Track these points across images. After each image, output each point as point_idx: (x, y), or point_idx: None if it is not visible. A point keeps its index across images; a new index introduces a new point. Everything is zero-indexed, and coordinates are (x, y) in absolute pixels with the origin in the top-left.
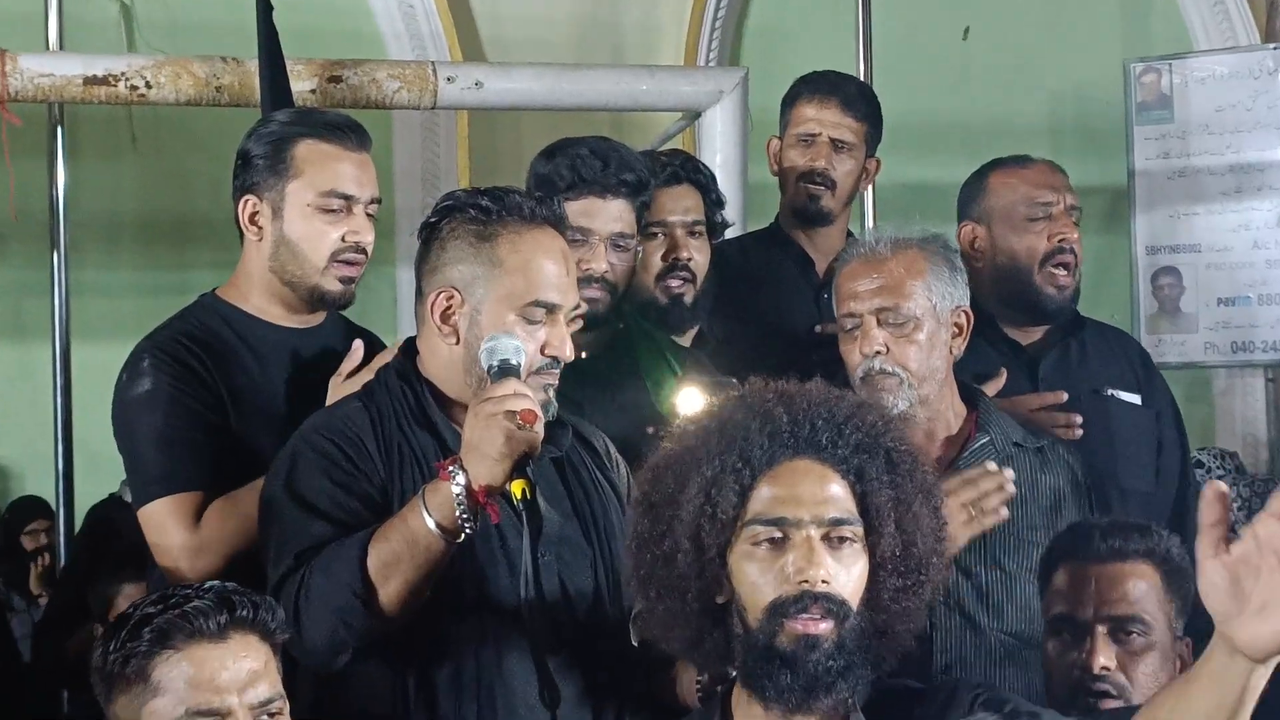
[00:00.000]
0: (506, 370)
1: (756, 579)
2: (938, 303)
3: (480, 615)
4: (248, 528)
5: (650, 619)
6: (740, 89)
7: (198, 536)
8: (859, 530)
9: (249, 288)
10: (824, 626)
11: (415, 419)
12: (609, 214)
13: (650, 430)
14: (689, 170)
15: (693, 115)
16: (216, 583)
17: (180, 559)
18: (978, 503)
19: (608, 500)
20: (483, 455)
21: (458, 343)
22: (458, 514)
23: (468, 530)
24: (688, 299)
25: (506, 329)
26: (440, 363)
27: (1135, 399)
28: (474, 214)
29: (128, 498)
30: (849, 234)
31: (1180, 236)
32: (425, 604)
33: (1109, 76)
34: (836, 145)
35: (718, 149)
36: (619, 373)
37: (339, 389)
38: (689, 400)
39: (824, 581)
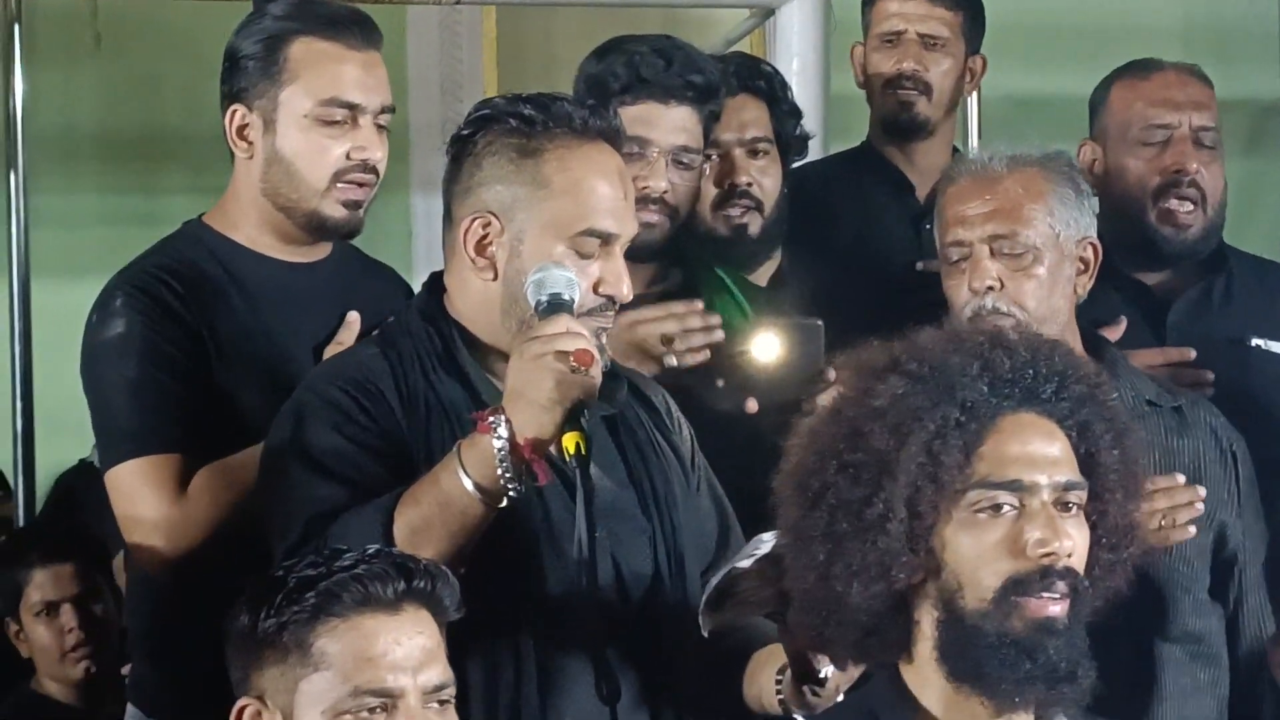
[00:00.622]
0: (558, 306)
1: (983, 551)
2: (1061, 231)
3: (521, 601)
4: (240, 503)
5: (811, 604)
6: None
7: (179, 509)
8: (1084, 495)
9: (239, 214)
10: (1061, 608)
11: (444, 367)
12: (671, 122)
13: (720, 383)
14: (746, 76)
15: (764, 12)
16: (380, 548)
17: (154, 534)
18: (1170, 513)
19: (669, 467)
20: (529, 402)
21: (495, 278)
22: (499, 472)
23: (511, 492)
24: (753, 229)
25: (554, 261)
26: (473, 302)
27: None
28: (515, 125)
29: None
30: (954, 150)
31: None
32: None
33: None
34: (927, 42)
35: (794, 53)
36: None
37: None
38: (766, 346)
39: (1069, 555)
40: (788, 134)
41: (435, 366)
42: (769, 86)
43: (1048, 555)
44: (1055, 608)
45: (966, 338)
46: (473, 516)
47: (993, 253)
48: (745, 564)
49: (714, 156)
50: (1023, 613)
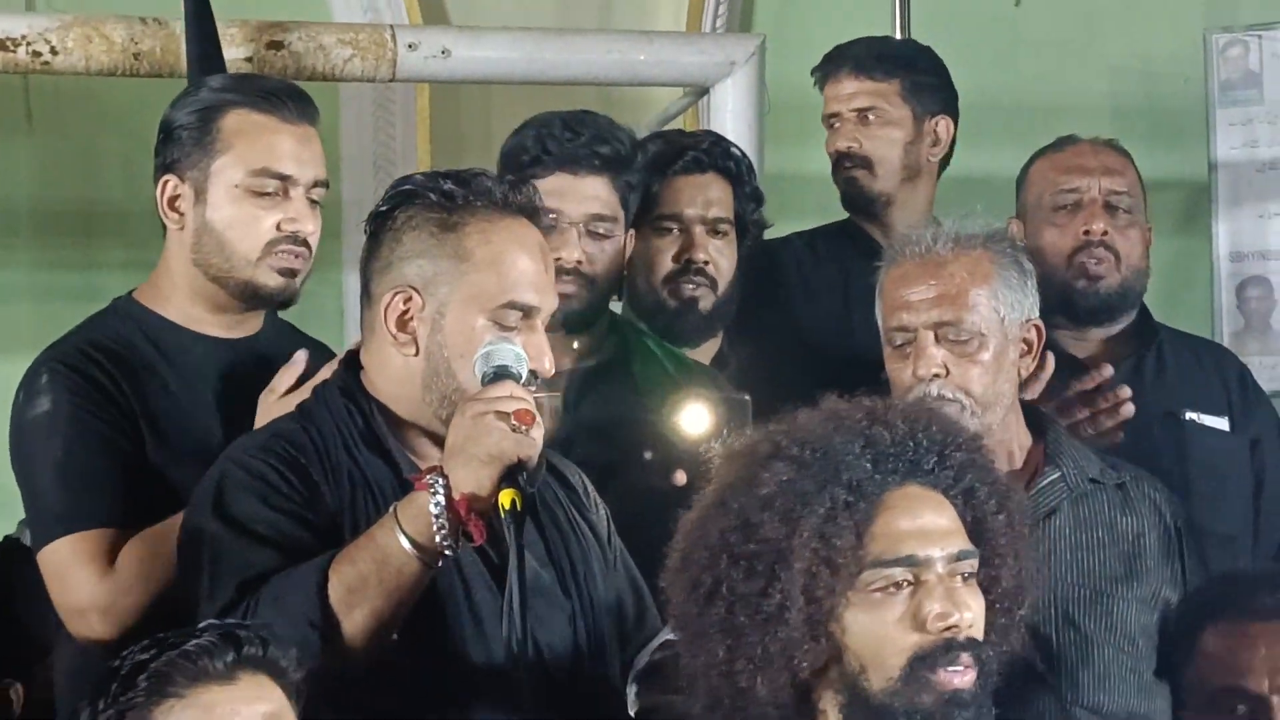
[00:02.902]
0: (504, 375)
1: (884, 630)
2: (1006, 315)
3: (445, 678)
4: (167, 570)
5: (715, 700)
6: (756, 60)
7: (109, 582)
8: (977, 564)
9: (170, 288)
10: (969, 678)
11: (365, 443)
12: (582, 192)
13: (648, 455)
14: (717, 156)
15: (699, 91)
16: (213, 621)
17: (91, 609)
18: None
19: (587, 546)
20: (468, 458)
21: (416, 353)
22: (435, 529)
23: (447, 552)
24: (704, 304)
25: (475, 336)
26: (392, 377)
27: (1223, 424)
28: (435, 200)
29: (27, 540)
30: (936, 221)
31: (1271, 240)
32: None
33: (1186, 50)
34: (863, 117)
35: (728, 131)
36: (608, 387)
37: (270, 408)
38: (695, 419)
39: (970, 625)
40: (746, 216)
41: (357, 442)
42: (736, 168)
43: (949, 628)
44: (961, 679)
45: (845, 416)
46: (408, 575)
47: (938, 338)
48: (676, 635)
49: (673, 229)
50: (931, 687)
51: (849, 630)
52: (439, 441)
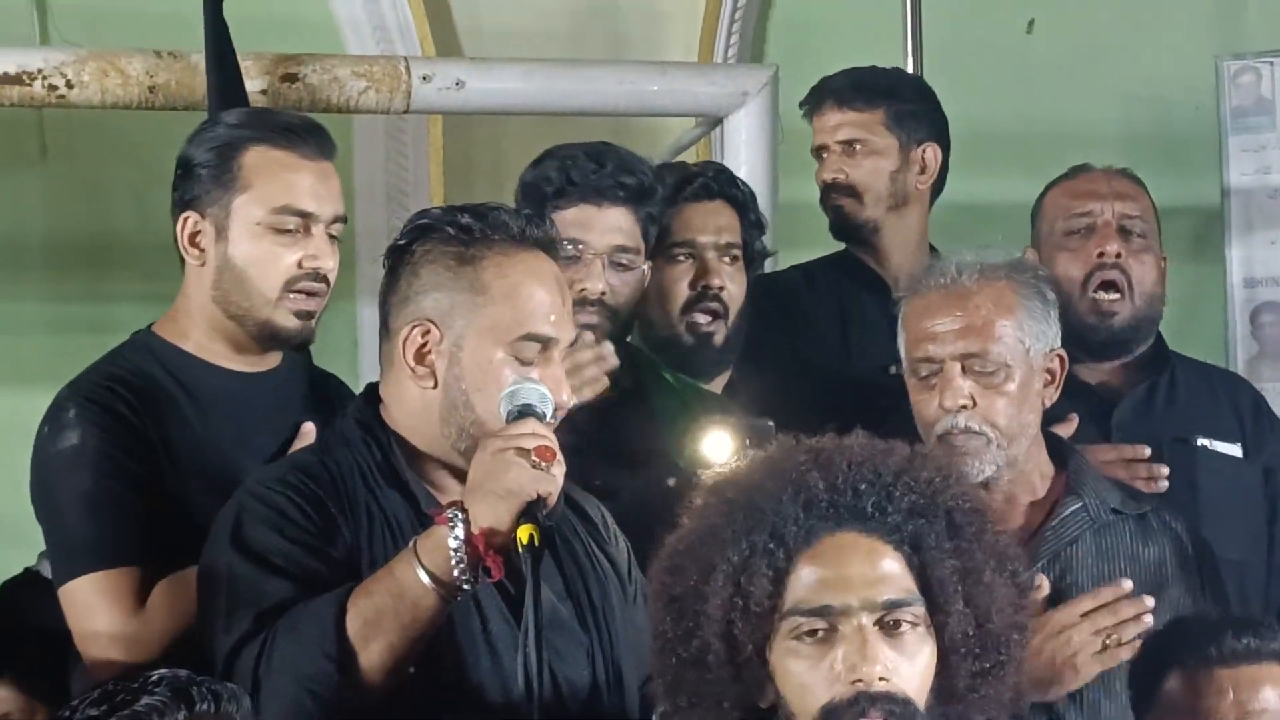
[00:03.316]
0: (528, 413)
1: (803, 679)
2: (1031, 346)
3: (456, 709)
4: (193, 614)
5: None
6: (769, 90)
7: (138, 622)
8: (919, 611)
9: (189, 323)
10: None
11: (383, 476)
12: (606, 223)
13: (670, 483)
14: (724, 184)
15: (712, 122)
16: (165, 671)
17: (113, 648)
18: (1115, 631)
19: (606, 579)
20: (487, 492)
21: (434, 385)
22: (454, 565)
23: (465, 587)
24: (717, 339)
25: (493, 368)
26: (410, 410)
27: (1235, 450)
28: (453, 233)
29: (47, 573)
30: (932, 248)
31: None
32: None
33: (1198, 76)
34: (847, 148)
35: (742, 161)
36: (628, 418)
37: None
38: (718, 446)
39: (881, 679)
40: (752, 245)
41: (375, 475)
42: (742, 197)
43: (857, 680)
44: None
45: (786, 459)
46: (425, 609)
47: (964, 370)
48: None
49: (687, 258)
50: None
51: (778, 674)
52: (457, 475)
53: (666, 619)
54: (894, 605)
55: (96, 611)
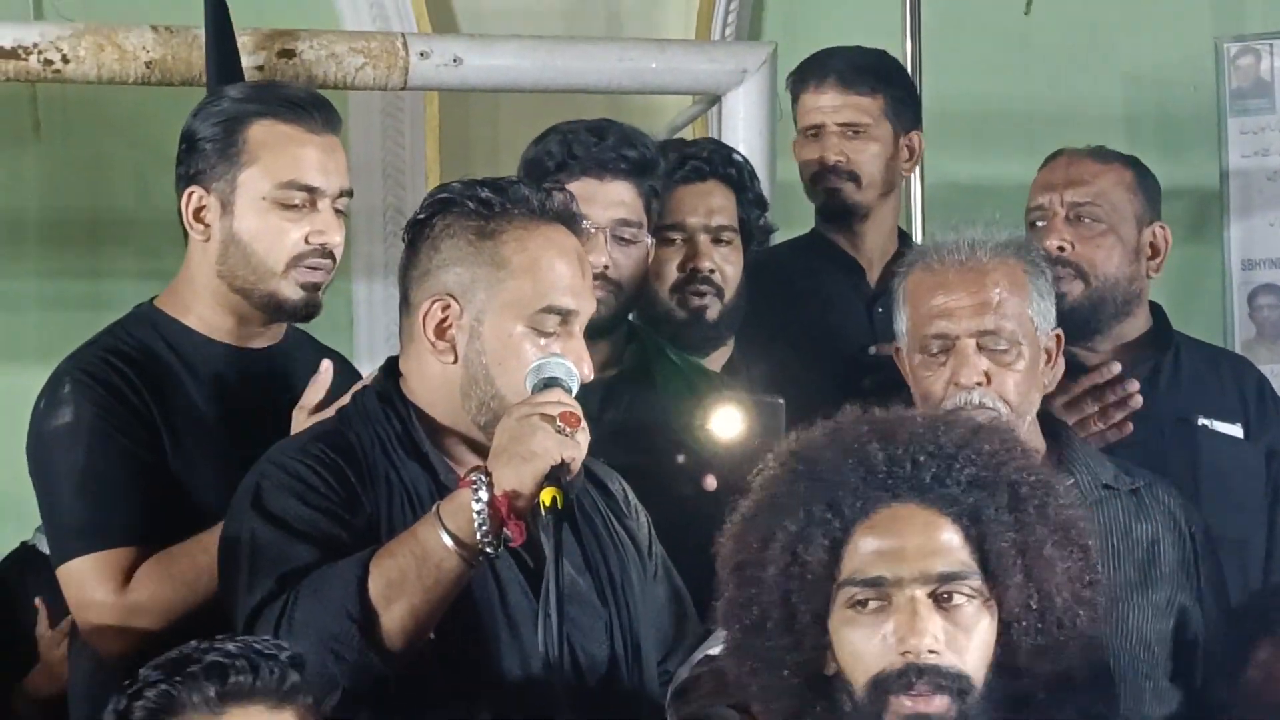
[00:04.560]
0: (553, 385)
1: (857, 648)
2: (1039, 324)
3: (480, 682)
4: (187, 591)
5: (745, 692)
6: (768, 67)
7: (128, 599)
8: (976, 584)
9: (192, 297)
10: (937, 703)
11: (403, 448)
12: (608, 197)
13: (680, 460)
14: (717, 164)
15: (710, 99)
16: (222, 641)
17: (108, 617)
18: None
19: (626, 554)
20: (511, 455)
21: (455, 360)
22: (477, 527)
23: (487, 550)
24: (711, 313)
25: (513, 342)
26: (430, 385)
27: (1237, 431)
28: (473, 208)
29: (43, 548)
30: (901, 233)
31: None
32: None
33: (1197, 58)
34: (848, 131)
35: (740, 139)
36: (633, 395)
37: (303, 424)
38: (727, 423)
39: (931, 651)
40: (751, 222)
41: (395, 447)
42: (738, 175)
43: (906, 652)
44: (928, 706)
45: (848, 430)
46: (448, 571)
47: (979, 347)
48: (718, 649)
49: (677, 239)
50: (892, 710)
51: (836, 642)
52: (476, 449)
53: (731, 585)
54: (949, 578)
55: (90, 591)
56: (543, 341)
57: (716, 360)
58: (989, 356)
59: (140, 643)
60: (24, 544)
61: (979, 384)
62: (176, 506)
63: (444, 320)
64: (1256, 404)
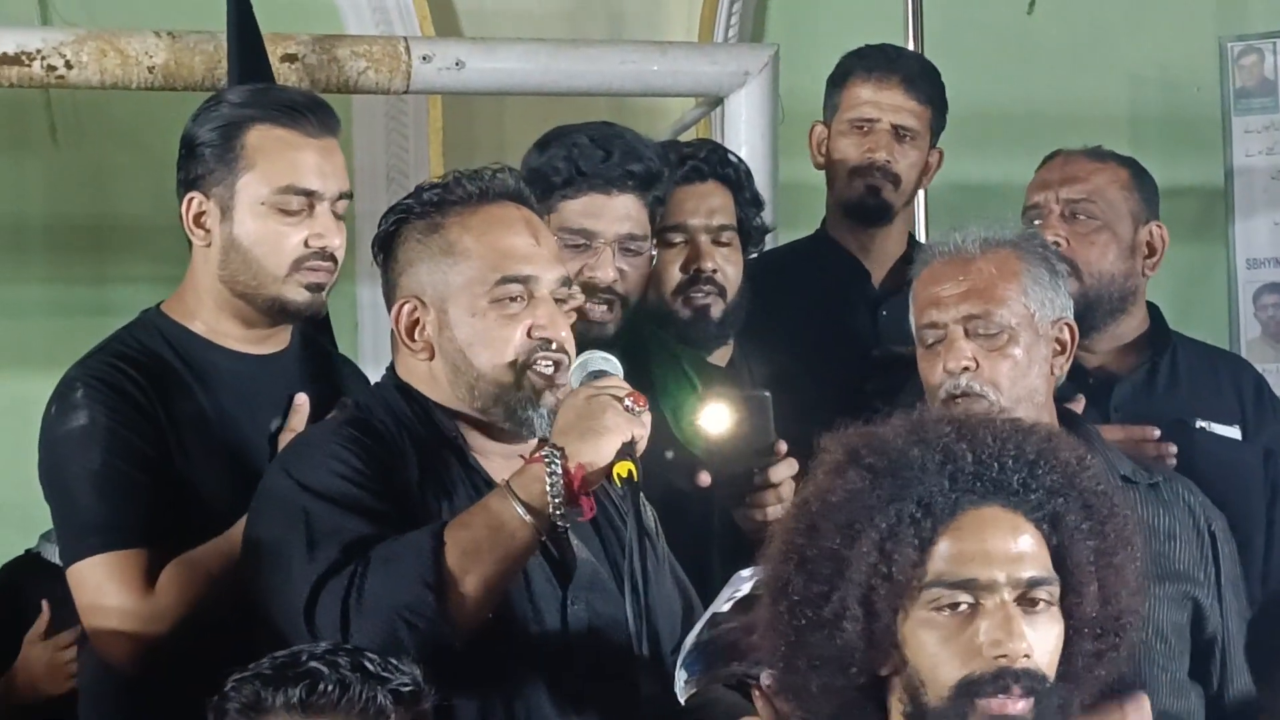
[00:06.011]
0: (602, 375)
1: (936, 651)
2: (1036, 311)
3: (509, 664)
4: (208, 593)
5: (786, 688)
6: (770, 69)
7: (149, 603)
8: (1055, 590)
9: (197, 303)
10: (1022, 706)
11: (427, 431)
12: (615, 212)
13: (669, 455)
14: (715, 164)
15: (712, 101)
16: (333, 653)
17: (121, 630)
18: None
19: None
20: (584, 430)
21: (431, 357)
22: (550, 496)
23: (558, 521)
24: (715, 312)
25: (481, 323)
26: (421, 382)
27: (1234, 433)
28: (419, 211)
29: (48, 555)
30: (910, 237)
31: None
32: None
33: (1201, 57)
34: (899, 133)
35: (742, 141)
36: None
37: None
38: (715, 418)
39: (1025, 655)
40: (749, 223)
41: (419, 431)
42: (736, 175)
43: (1001, 656)
44: (1014, 708)
45: (930, 428)
46: (521, 542)
47: (968, 333)
48: (725, 607)
49: (679, 241)
50: (979, 713)
51: (910, 644)
52: (487, 431)
53: (797, 580)
54: (1035, 583)
55: (104, 592)
56: (510, 311)
57: (718, 360)
58: (979, 342)
59: (149, 651)
60: (29, 552)
61: (967, 368)
62: (184, 509)
63: (415, 320)
64: (1254, 404)
